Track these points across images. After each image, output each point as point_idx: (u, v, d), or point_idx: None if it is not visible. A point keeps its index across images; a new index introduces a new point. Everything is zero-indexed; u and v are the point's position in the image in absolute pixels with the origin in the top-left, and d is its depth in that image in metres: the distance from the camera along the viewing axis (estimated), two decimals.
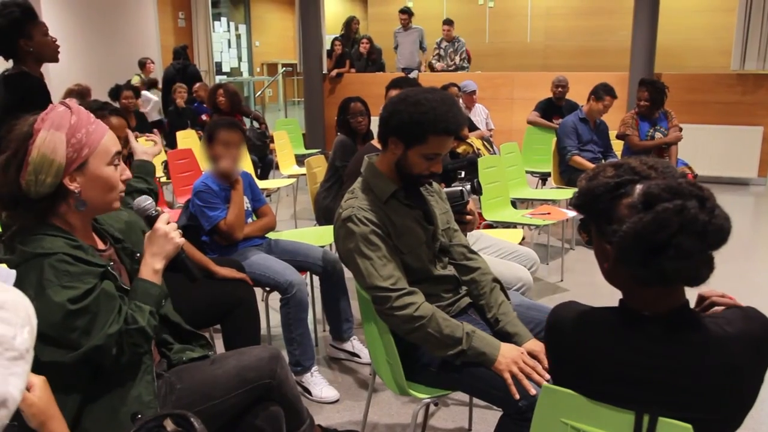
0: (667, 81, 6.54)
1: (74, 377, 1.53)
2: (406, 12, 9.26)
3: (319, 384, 2.87)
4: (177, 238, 1.68)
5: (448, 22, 8.77)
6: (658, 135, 5.16)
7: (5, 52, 2.98)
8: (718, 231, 1.15)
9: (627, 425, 1.24)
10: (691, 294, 1.29)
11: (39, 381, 1.18)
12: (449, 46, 8.73)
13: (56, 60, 3.06)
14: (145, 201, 1.74)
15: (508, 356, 1.83)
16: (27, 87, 2.92)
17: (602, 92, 5.10)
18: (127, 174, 1.65)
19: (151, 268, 1.65)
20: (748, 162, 7.47)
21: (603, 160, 5.16)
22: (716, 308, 1.40)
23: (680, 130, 5.29)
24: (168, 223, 1.69)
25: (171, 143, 6.79)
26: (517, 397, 1.76)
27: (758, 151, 7.43)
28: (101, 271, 1.56)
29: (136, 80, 8.59)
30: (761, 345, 1.24)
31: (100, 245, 1.69)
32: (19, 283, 1.48)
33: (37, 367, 1.49)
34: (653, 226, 1.13)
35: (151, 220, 1.71)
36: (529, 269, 2.89)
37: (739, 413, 1.26)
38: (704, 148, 7.18)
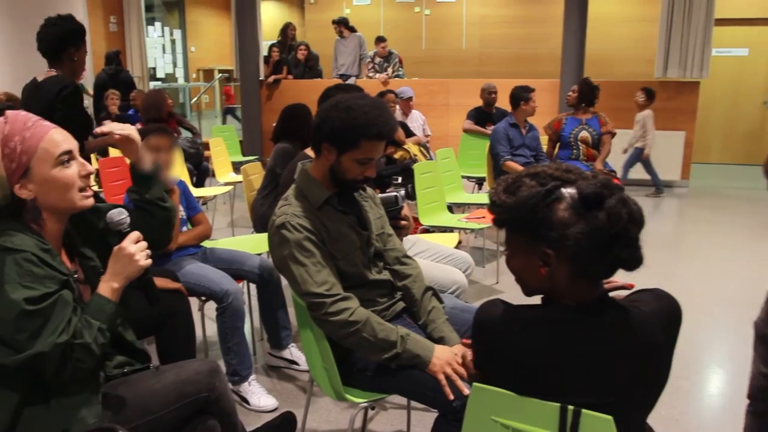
0: None
1: (12, 385, 1.49)
2: (340, 23, 9.33)
3: (257, 393, 2.85)
4: (142, 260, 1.64)
5: (382, 39, 8.88)
6: (583, 134, 5.35)
7: (52, 53, 3.20)
8: (642, 216, 1.27)
9: (553, 418, 1.29)
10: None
11: None
12: (383, 61, 8.86)
13: (79, 79, 3.35)
14: (119, 215, 1.70)
15: (441, 358, 1.87)
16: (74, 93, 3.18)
17: (526, 93, 5.24)
18: (88, 168, 1.61)
19: (110, 285, 1.62)
20: (671, 165, 7.81)
21: (536, 164, 5.30)
22: (618, 293, 1.50)
23: (613, 135, 5.49)
24: (137, 242, 1.65)
25: (102, 151, 6.61)
26: (451, 397, 1.79)
27: (681, 155, 7.79)
28: (64, 280, 1.54)
29: None
30: (673, 320, 1.34)
31: (68, 264, 1.66)
32: None
33: None
34: (609, 220, 1.22)
35: (122, 236, 1.67)
36: (464, 272, 2.95)
37: (656, 391, 1.34)
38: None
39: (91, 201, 1.64)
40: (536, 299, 1.39)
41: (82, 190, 1.60)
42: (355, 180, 2.03)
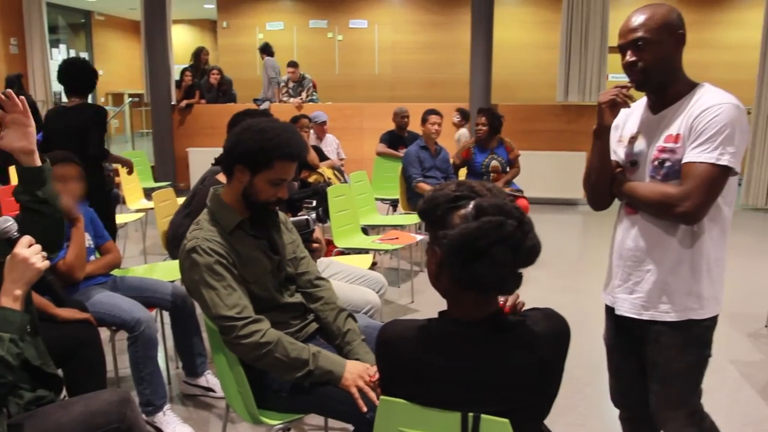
0: (502, 111, 7.02)
1: None
2: (259, 50, 9.63)
3: (172, 422, 2.80)
4: (39, 263, 1.60)
5: (293, 65, 8.99)
6: (494, 163, 5.58)
7: (85, 88, 4.22)
8: (529, 250, 1.34)
9: (455, 425, 1.38)
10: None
11: None
12: (297, 85, 8.95)
13: None
14: (5, 223, 1.65)
15: (354, 372, 1.93)
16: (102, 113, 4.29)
17: (425, 115, 5.53)
18: None
19: (11, 294, 1.57)
20: (574, 184, 8.20)
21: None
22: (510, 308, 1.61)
23: (518, 157, 5.75)
24: (30, 246, 1.61)
25: (3, 179, 6.33)
26: (365, 409, 1.85)
27: (583, 175, 8.20)
28: None
29: None
30: (562, 339, 1.45)
31: None
32: None
33: None
34: (476, 233, 1.31)
35: (11, 243, 1.62)
36: (377, 292, 3.02)
37: (548, 401, 1.45)
38: (537, 173, 7.82)
39: None
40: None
41: None
42: (268, 202, 2.07)
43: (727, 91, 1.78)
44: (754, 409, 3.07)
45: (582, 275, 5.27)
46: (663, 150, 1.81)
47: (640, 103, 1.94)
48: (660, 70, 1.79)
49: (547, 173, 8.10)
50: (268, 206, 2.11)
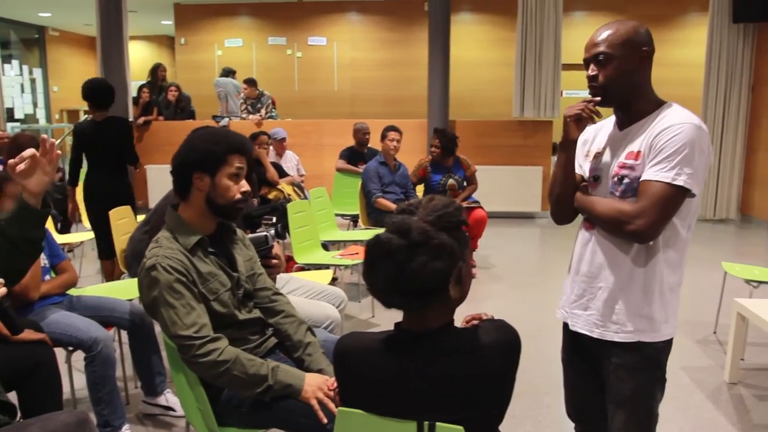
0: (460, 126, 7.17)
1: None
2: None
3: None
4: None
5: (249, 82, 8.99)
6: (450, 182, 5.67)
7: (108, 103, 4.76)
8: (412, 272, 1.36)
9: None
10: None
11: None
12: (256, 102, 8.95)
13: None
14: None
15: (313, 384, 1.96)
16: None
17: (384, 132, 5.62)
18: None
19: None
20: (532, 198, 8.41)
21: (406, 201, 5.55)
22: (471, 322, 1.67)
23: (474, 172, 5.85)
24: None
25: None
26: (325, 420, 1.88)
27: (540, 188, 8.39)
28: None
29: None
30: (512, 349, 1.49)
31: None
32: None
33: None
34: (370, 246, 1.42)
35: None
36: (337, 307, 3.06)
37: (501, 409, 1.49)
38: (495, 187, 7.97)
39: None
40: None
41: None
42: (236, 200, 2.10)
43: (692, 112, 1.77)
44: (705, 412, 3.18)
45: (540, 287, 5.38)
46: (623, 166, 1.80)
47: (609, 120, 1.94)
48: (620, 86, 1.77)
49: (504, 187, 8.26)
50: (237, 205, 2.12)
